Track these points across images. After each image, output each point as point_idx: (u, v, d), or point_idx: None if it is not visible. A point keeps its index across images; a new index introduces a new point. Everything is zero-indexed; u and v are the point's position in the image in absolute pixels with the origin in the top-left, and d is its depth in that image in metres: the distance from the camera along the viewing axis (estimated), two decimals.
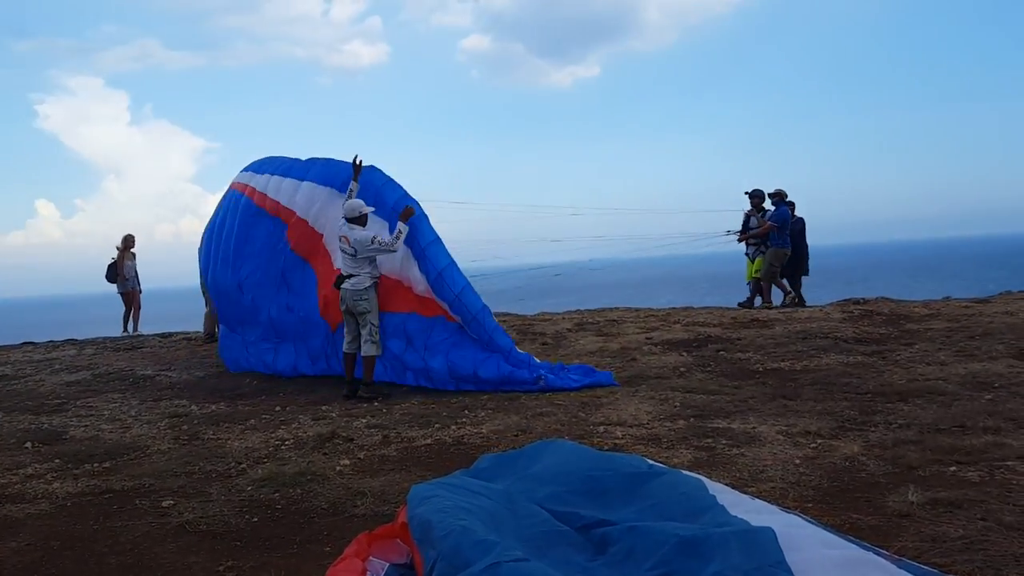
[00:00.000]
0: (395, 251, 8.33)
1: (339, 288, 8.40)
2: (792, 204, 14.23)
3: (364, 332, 8.37)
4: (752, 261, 14.40)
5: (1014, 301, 11.98)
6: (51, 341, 15.16)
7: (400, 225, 8.32)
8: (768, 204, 14.23)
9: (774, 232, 13.79)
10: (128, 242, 15.49)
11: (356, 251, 8.23)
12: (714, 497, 3.37)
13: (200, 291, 13.28)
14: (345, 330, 8.61)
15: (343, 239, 8.34)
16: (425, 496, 3.17)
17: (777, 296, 14.42)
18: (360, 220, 8.41)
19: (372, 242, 8.21)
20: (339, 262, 8.53)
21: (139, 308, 15.98)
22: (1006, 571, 3.52)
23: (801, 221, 14.49)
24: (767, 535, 2.83)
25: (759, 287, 14.33)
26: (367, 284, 8.34)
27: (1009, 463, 5.02)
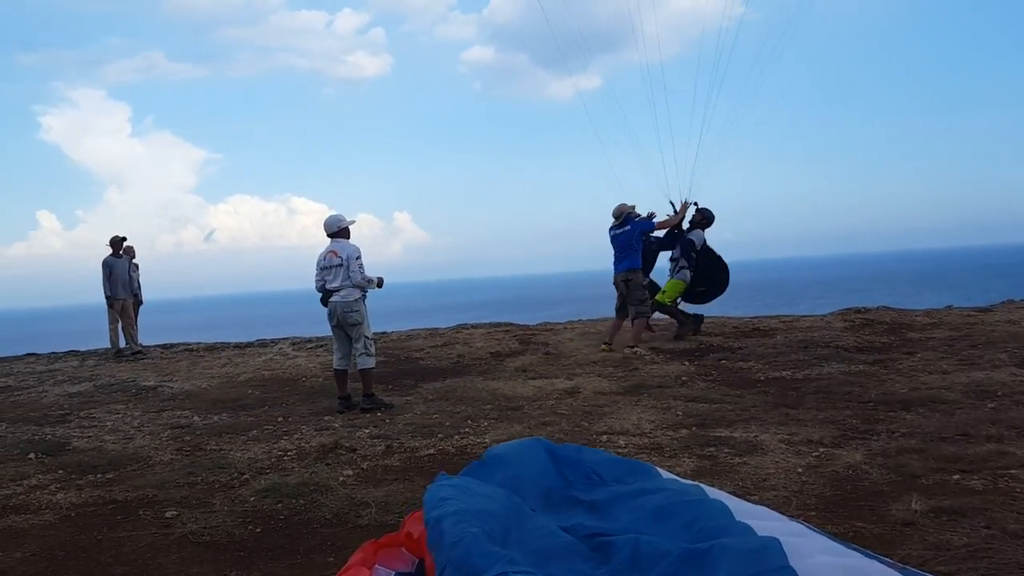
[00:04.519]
0: (364, 286, 8.34)
1: (325, 304, 8.43)
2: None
3: (358, 346, 8.38)
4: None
5: (1016, 310, 11.99)
6: (53, 352, 15.18)
7: (376, 282, 8.46)
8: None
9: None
10: (128, 253, 15.54)
11: (345, 263, 8.24)
12: (723, 504, 3.36)
13: (105, 305, 13.87)
14: (335, 346, 8.63)
15: (331, 254, 8.36)
16: (441, 498, 3.17)
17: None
18: (343, 233, 8.47)
19: (359, 258, 8.27)
20: (327, 279, 8.42)
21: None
22: None
23: None
24: (772, 543, 2.83)
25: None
26: (356, 296, 8.35)
27: (1012, 471, 5.01)
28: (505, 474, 3.67)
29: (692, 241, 11.88)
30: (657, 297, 11.77)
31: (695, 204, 11.99)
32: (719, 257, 12.19)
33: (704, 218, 12.05)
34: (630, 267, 11.17)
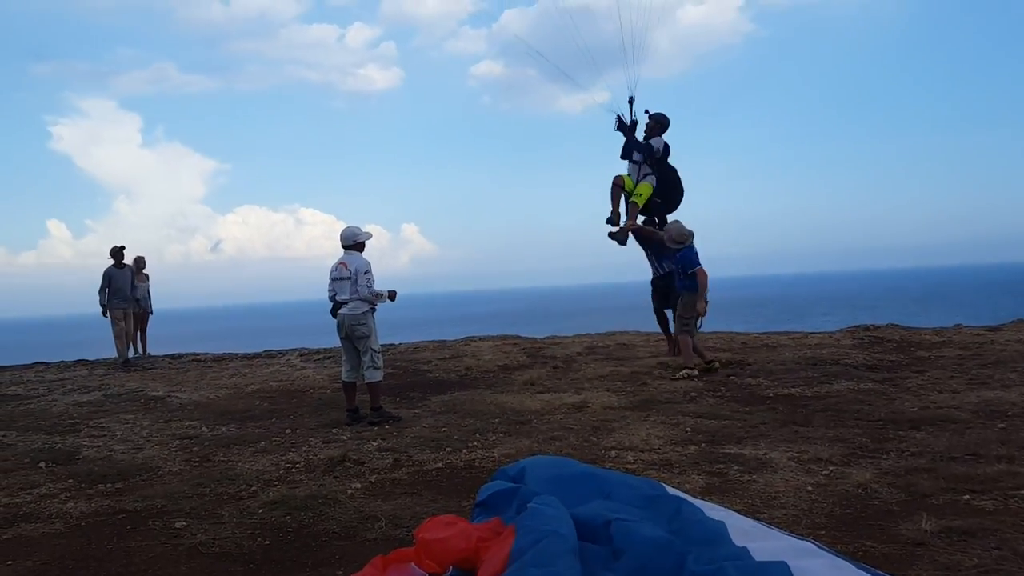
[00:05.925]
0: (372, 300, 8.39)
1: (335, 316, 8.49)
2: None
3: (366, 359, 8.44)
4: None
5: None
6: (62, 361, 15.24)
7: (388, 295, 8.53)
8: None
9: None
10: (139, 263, 15.65)
11: (353, 276, 8.31)
12: (722, 523, 3.36)
13: (104, 314, 13.94)
14: (344, 358, 8.68)
15: (341, 265, 8.45)
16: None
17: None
18: (357, 246, 8.53)
19: (367, 272, 8.33)
20: (336, 290, 8.51)
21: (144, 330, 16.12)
22: None
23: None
24: (780, 567, 2.83)
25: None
26: (364, 309, 8.41)
27: (1023, 492, 4.99)
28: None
29: (651, 146, 11.12)
30: (632, 198, 11.04)
31: (646, 112, 11.22)
32: (678, 179, 11.34)
33: (658, 123, 11.28)
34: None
